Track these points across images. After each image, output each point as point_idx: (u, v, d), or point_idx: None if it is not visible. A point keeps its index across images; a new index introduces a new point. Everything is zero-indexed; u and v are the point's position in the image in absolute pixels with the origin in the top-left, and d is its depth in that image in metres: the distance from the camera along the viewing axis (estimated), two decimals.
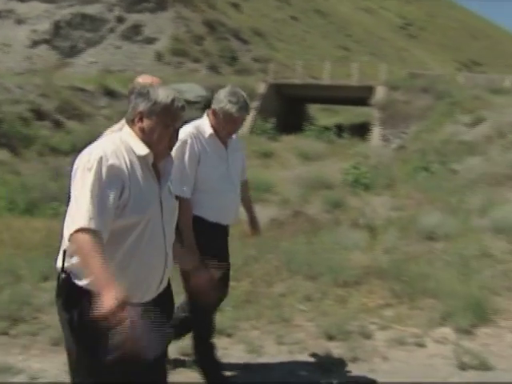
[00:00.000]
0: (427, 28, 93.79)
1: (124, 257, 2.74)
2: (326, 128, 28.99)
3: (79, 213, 2.55)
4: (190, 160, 4.01)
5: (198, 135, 4.08)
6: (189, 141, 4.00)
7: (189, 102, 24.69)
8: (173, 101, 2.85)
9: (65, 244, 2.71)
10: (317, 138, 27.33)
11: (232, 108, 4.06)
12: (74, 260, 2.66)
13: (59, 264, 2.77)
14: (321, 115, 41.95)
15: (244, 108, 4.14)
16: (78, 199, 2.61)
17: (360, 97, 31.69)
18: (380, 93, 30.04)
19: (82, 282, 2.69)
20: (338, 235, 8.22)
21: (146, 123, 2.84)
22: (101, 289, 2.42)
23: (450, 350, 4.95)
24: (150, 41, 40.63)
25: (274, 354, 4.94)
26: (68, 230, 2.56)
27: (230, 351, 4.83)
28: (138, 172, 2.78)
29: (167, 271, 2.96)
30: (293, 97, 36.09)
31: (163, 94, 2.86)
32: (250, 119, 29.28)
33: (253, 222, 4.60)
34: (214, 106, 4.14)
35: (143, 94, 2.88)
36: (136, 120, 2.86)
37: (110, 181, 2.65)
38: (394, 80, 32.06)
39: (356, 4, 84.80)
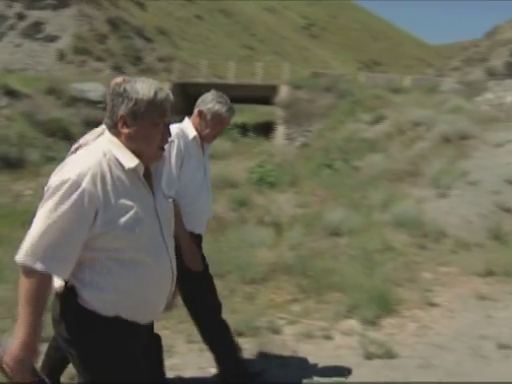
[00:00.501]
0: (329, 28, 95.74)
1: (127, 280, 2.44)
2: (231, 127, 29.07)
3: (29, 243, 2.29)
4: (176, 162, 3.87)
5: (183, 136, 3.97)
6: (176, 141, 3.86)
7: (92, 102, 24.31)
8: (156, 93, 2.46)
9: None
10: (221, 137, 27.29)
11: (221, 108, 4.04)
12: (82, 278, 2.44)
13: (59, 285, 2.51)
14: None
15: (232, 109, 4.12)
16: (34, 225, 2.32)
17: (264, 96, 31.96)
18: (284, 92, 30.37)
19: (90, 307, 2.44)
20: (244, 233, 8.29)
21: (131, 128, 2.45)
22: (18, 337, 2.29)
23: (356, 341, 5.10)
24: (52, 39, 39.42)
25: (184, 352, 4.93)
26: (18, 255, 2.31)
27: None
28: (127, 188, 2.43)
29: (173, 286, 2.70)
30: (198, 96, 35.62)
31: (143, 89, 2.46)
32: None
33: None
34: (201, 107, 4.08)
35: (120, 93, 2.46)
36: (119, 126, 2.46)
37: (78, 210, 2.31)
38: (297, 79, 32.46)
39: (260, 4, 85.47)
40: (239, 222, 9.50)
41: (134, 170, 2.44)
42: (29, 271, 2.27)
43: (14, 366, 2.28)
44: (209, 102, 4.08)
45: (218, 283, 6.29)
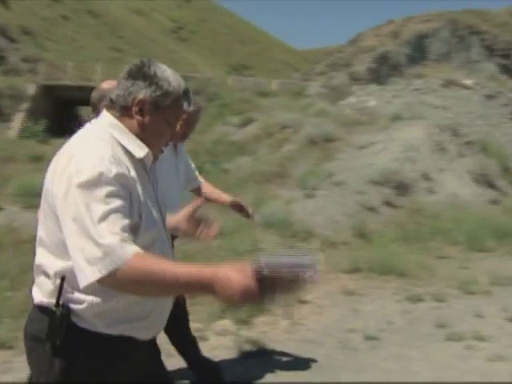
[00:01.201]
0: (198, 32, 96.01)
1: None
2: None
3: (100, 248, 1.85)
4: None
5: None
6: None
7: None
8: (186, 92, 2.19)
9: (55, 272, 2.04)
10: None
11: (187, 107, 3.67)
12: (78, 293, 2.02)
13: (47, 297, 2.08)
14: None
15: (197, 104, 3.98)
16: (87, 229, 1.87)
17: None
18: None
19: (86, 324, 2.05)
20: None
21: (146, 117, 2.11)
22: (209, 281, 1.86)
23: (230, 341, 5.18)
24: None
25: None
26: (92, 269, 1.85)
27: (13, 364, 4.58)
28: (139, 179, 2.10)
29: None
30: (64, 98, 35.02)
31: (175, 82, 2.14)
32: (19, 122, 27.94)
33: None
34: None
35: (148, 75, 2.10)
36: (134, 110, 2.10)
37: (121, 195, 1.95)
38: None
39: (127, 5, 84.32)
40: None
41: (142, 160, 2.13)
42: (119, 270, 1.85)
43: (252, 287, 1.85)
44: None
45: None
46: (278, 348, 5.11)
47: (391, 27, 39.36)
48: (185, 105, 3.44)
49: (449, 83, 26.60)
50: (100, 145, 2.04)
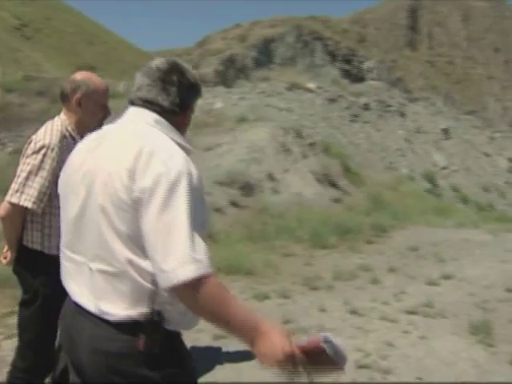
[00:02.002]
0: (43, 30, 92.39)
1: None
2: None
3: (196, 250, 1.88)
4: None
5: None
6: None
7: None
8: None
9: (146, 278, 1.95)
10: None
11: None
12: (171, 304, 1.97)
13: (133, 308, 1.98)
14: None
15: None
16: (186, 230, 1.87)
17: None
18: None
19: (172, 326, 2.03)
20: None
21: (180, 115, 2.24)
22: (256, 331, 1.92)
23: None
24: None
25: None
26: (182, 271, 1.84)
27: None
28: None
29: None
30: None
31: (196, 79, 2.30)
32: None
33: None
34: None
35: (193, 83, 2.26)
36: (183, 112, 2.24)
37: (202, 200, 2.02)
38: (8, 82, 30.93)
39: None
40: None
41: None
42: (206, 279, 1.87)
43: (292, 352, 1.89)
44: None
45: None
46: None
47: (238, 31, 40.13)
48: None
49: (293, 86, 27.52)
50: (170, 142, 2.09)
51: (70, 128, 3.50)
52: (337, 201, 13.82)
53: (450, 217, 15.24)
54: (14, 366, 3.57)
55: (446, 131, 33.30)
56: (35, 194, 3.30)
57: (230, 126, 17.15)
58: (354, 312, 6.33)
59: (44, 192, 3.32)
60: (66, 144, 3.39)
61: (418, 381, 4.79)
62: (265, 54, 35.86)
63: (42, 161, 3.33)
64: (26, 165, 3.35)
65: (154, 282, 1.94)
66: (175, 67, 2.22)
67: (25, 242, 3.45)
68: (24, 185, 3.31)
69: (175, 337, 2.10)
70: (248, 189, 12.59)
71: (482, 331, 5.82)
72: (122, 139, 2.10)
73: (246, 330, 1.94)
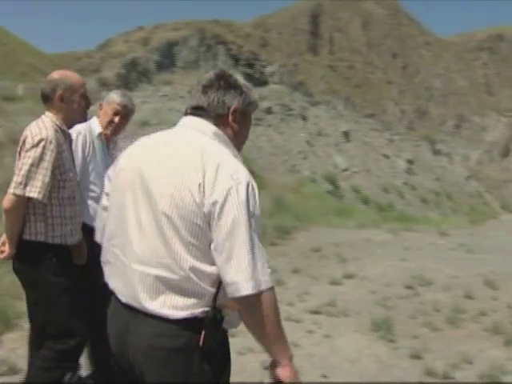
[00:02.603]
0: None
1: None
2: None
3: (260, 266, 2.03)
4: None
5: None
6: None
7: None
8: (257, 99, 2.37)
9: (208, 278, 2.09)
10: None
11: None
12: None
13: (195, 307, 2.11)
14: None
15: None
16: (253, 244, 2.03)
17: None
18: None
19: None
20: None
21: (238, 125, 2.27)
22: (282, 355, 2.21)
23: None
24: None
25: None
26: (250, 284, 2.00)
27: None
28: None
29: None
30: None
31: (254, 92, 2.36)
32: None
33: None
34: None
35: (237, 85, 2.28)
36: (231, 118, 2.25)
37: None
38: None
39: None
40: None
41: None
42: (266, 293, 2.04)
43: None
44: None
45: None
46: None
47: (141, 34, 39.72)
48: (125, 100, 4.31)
49: None
50: (230, 154, 2.18)
51: (58, 123, 3.69)
52: None
53: (352, 217, 15.68)
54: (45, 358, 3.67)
55: (346, 134, 34.21)
56: (40, 184, 3.48)
57: (132, 129, 16.95)
58: None
59: (47, 182, 3.50)
60: (59, 137, 3.63)
61: (323, 379, 4.91)
62: (167, 58, 35.63)
63: (43, 153, 3.50)
64: (26, 158, 3.50)
65: (215, 285, 2.10)
66: (221, 76, 2.30)
67: (27, 236, 3.57)
68: (27, 177, 3.47)
69: (225, 335, 2.25)
70: None
71: (382, 328, 6.02)
72: (182, 151, 2.16)
73: (280, 355, 2.21)
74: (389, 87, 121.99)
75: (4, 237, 3.65)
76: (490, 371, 5.03)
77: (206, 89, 2.28)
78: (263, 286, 2.02)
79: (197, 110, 2.27)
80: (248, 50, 40.71)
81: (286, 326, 5.94)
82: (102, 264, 2.38)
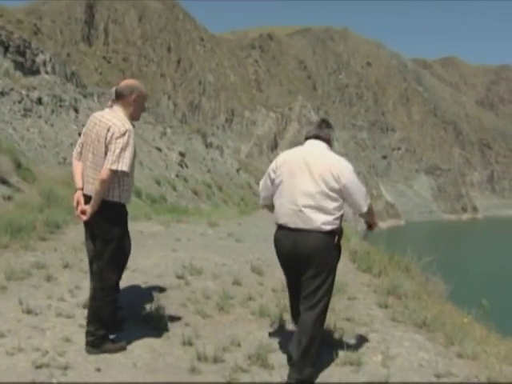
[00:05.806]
0: None
1: None
2: None
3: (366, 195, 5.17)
4: None
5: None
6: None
7: None
8: None
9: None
10: None
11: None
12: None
13: (329, 225, 5.01)
14: None
15: None
16: (362, 189, 5.10)
17: None
18: None
19: None
20: None
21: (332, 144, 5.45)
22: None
23: None
24: None
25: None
26: (365, 207, 5.14)
27: None
28: None
29: None
30: None
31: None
32: None
33: None
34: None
35: (331, 125, 5.44)
36: (330, 143, 5.36)
37: None
38: None
39: None
40: None
41: None
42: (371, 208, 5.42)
43: None
44: None
45: None
46: None
47: None
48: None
49: None
50: (338, 156, 5.32)
51: (126, 117, 5.29)
52: (8, 198, 13.24)
53: None
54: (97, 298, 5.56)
55: None
56: (127, 161, 5.09)
57: None
58: (29, 311, 6.19)
59: (132, 160, 5.16)
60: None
61: (98, 373, 4.93)
62: None
63: (128, 140, 5.10)
64: (118, 143, 5.07)
65: (340, 211, 5.09)
66: (324, 120, 5.46)
67: (108, 198, 5.19)
68: (119, 156, 5.05)
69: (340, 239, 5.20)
70: None
71: (155, 319, 6.15)
72: (319, 155, 5.16)
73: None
74: (163, 80, 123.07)
75: (82, 202, 5.31)
76: (258, 351, 5.38)
77: (320, 127, 5.37)
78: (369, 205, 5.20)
79: (314, 136, 5.32)
80: (19, 36, 38.68)
81: (58, 321, 5.90)
82: (276, 209, 5.24)
